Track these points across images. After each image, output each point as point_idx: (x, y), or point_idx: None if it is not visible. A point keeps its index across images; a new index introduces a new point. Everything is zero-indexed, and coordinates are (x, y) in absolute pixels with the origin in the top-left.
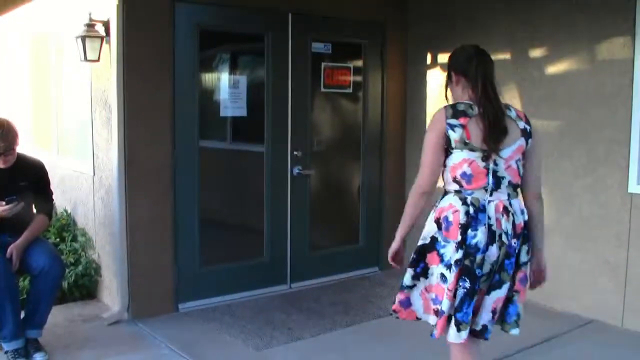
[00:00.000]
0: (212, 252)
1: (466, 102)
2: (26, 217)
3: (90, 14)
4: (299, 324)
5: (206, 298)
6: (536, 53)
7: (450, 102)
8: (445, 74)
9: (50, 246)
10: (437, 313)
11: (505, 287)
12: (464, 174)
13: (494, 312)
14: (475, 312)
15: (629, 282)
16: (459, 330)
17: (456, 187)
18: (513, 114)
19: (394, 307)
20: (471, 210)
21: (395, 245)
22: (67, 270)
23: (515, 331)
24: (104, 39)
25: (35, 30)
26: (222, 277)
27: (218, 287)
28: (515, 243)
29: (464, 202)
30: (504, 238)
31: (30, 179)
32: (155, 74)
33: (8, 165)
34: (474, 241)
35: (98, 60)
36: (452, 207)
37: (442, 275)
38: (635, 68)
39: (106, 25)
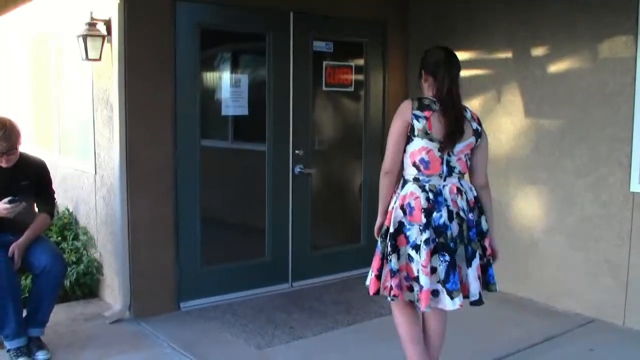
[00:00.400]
0: (213, 251)
1: (430, 98)
2: (28, 216)
3: (91, 13)
4: (301, 322)
5: (208, 297)
6: (537, 52)
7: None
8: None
9: (52, 245)
10: (410, 289)
11: (478, 256)
12: (422, 160)
13: (479, 278)
14: (466, 287)
15: (630, 281)
16: (452, 298)
17: (414, 172)
18: (468, 115)
19: (394, 293)
20: (430, 195)
21: (379, 220)
22: (68, 269)
23: (497, 289)
24: (106, 38)
25: (36, 30)
26: (223, 276)
27: (220, 286)
28: (472, 216)
29: (423, 189)
30: (461, 214)
31: (32, 178)
32: (156, 73)
33: (10, 165)
34: (441, 221)
35: (99, 59)
36: (413, 194)
37: (409, 256)
38: (637, 67)
39: (107, 24)
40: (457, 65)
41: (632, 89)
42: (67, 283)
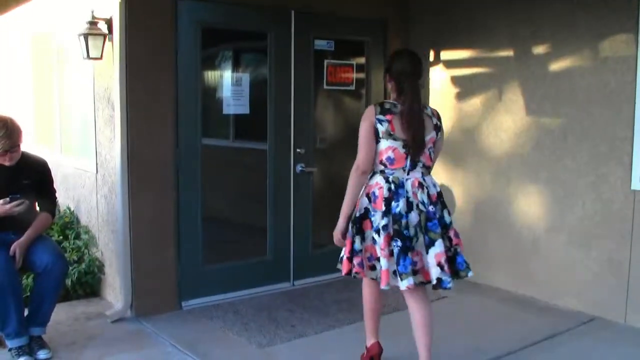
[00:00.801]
0: (215, 249)
1: (391, 102)
2: (29, 215)
3: (92, 12)
4: (302, 321)
5: (209, 296)
6: (538, 51)
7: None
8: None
9: (53, 244)
10: (373, 268)
11: (439, 244)
12: (388, 158)
13: (440, 265)
14: (426, 272)
15: (632, 279)
16: (402, 279)
17: (382, 168)
18: (429, 111)
19: (355, 269)
20: (392, 187)
21: (342, 225)
22: (70, 268)
23: (470, 274)
24: (107, 36)
25: (37, 29)
26: (225, 275)
27: (221, 285)
28: (432, 209)
29: (387, 181)
30: (421, 206)
31: (33, 177)
32: (157, 71)
33: (13, 163)
34: (397, 210)
35: (101, 58)
36: (377, 184)
37: (373, 238)
38: (638, 65)
39: (109, 22)
40: (421, 74)
41: (632, 87)
42: (68, 282)
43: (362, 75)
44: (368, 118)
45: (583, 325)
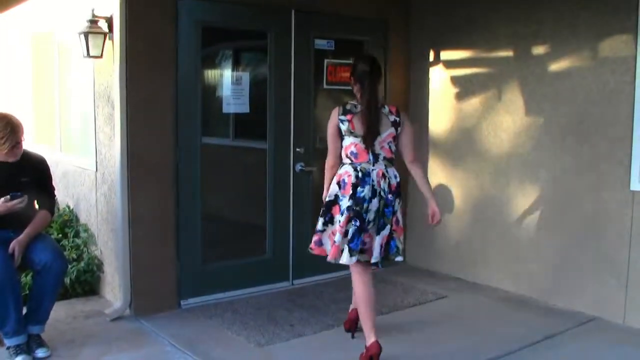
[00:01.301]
0: (214, 248)
1: (353, 102)
2: (28, 213)
3: (93, 10)
4: (301, 320)
5: (208, 295)
6: (538, 50)
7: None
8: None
9: (52, 242)
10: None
11: (387, 228)
12: (352, 152)
13: (381, 247)
14: (371, 251)
15: (631, 280)
16: (351, 255)
17: (349, 161)
18: (386, 110)
19: (311, 245)
20: (360, 174)
21: (325, 194)
22: (69, 266)
23: (399, 258)
24: (107, 35)
25: (37, 27)
26: (224, 273)
27: (220, 284)
28: (391, 197)
29: (355, 170)
30: (382, 194)
31: (33, 175)
32: (157, 70)
33: (16, 159)
34: (362, 194)
35: (101, 56)
36: (347, 173)
37: (339, 221)
38: (637, 65)
39: (109, 21)
40: (379, 74)
41: (631, 87)
42: (67, 280)
43: None
44: (332, 121)
45: (582, 325)
